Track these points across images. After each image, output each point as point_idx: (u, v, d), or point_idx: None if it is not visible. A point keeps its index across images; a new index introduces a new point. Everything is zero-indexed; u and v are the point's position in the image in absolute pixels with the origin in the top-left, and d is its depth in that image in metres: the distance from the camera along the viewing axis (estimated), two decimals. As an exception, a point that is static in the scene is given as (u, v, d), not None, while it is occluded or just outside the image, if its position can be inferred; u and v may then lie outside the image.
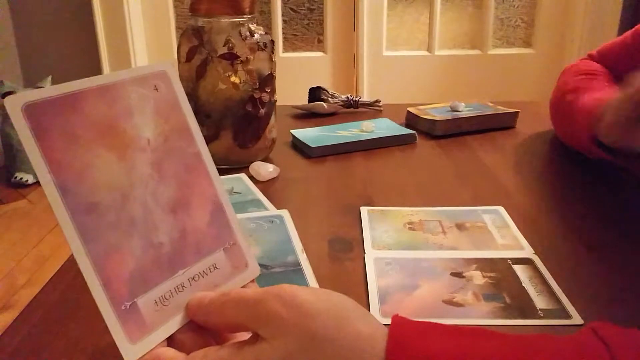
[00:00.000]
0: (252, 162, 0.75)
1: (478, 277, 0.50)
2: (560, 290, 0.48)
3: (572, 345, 0.32)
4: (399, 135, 0.87)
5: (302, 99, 1.07)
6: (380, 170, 0.77)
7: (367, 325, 0.33)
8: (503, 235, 0.58)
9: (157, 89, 0.38)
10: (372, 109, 1.04)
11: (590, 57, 0.85)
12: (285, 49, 2.44)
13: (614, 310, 0.46)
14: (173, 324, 0.36)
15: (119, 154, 0.35)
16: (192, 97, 0.74)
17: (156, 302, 0.35)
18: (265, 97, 0.76)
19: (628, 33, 0.81)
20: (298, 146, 0.86)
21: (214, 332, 0.36)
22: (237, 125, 0.75)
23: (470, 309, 0.46)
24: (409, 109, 0.96)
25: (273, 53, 0.76)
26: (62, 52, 2.43)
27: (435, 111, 0.94)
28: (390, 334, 0.32)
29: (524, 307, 0.46)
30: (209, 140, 0.75)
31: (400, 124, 0.92)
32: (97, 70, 2.35)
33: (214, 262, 0.38)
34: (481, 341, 0.32)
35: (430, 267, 0.52)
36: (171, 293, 0.36)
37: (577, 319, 0.45)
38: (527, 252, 0.55)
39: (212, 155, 0.40)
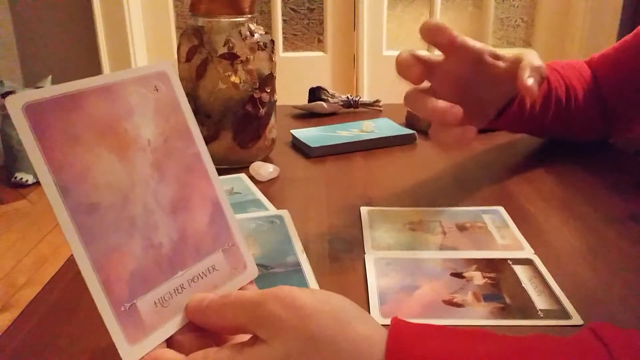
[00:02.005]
0: (252, 162, 0.75)
1: (478, 278, 0.50)
2: (560, 290, 0.48)
3: (571, 346, 0.32)
4: (399, 135, 0.87)
5: (302, 99, 1.07)
6: (380, 170, 0.77)
7: (366, 327, 0.33)
8: (503, 235, 0.58)
9: (157, 90, 0.38)
10: (372, 109, 1.04)
11: (585, 62, 0.84)
12: (285, 49, 2.44)
13: (614, 310, 0.46)
14: (172, 325, 0.36)
15: (120, 154, 0.35)
16: (192, 97, 0.74)
17: (155, 303, 0.35)
18: (265, 97, 0.76)
19: (617, 44, 0.81)
20: (298, 146, 0.86)
21: (213, 333, 0.36)
22: (237, 125, 0.75)
23: (470, 309, 0.46)
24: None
25: (273, 53, 0.76)
26: (62, 52, 2.43)
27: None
28: (389, 335, 0.32)
29: (524, 307, 0.46)
30: (209, 140, 0.75)
31: (400, 124, 0.92)
32: (97, 70, 2.35)
33: (213, 263, 0.38)
34: (480, 343, 0.32)
35: (430, 268, 0.52)
36: (170, 294, 0.36)
37: (577, 319, 0.45)
38: (527, 252, 0.55)
39: (212, 155, 0.40)
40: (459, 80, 0.60)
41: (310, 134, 0.87)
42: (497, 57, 0.61)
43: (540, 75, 0.58)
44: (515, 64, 0.59)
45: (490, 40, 2.42)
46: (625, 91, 0.78)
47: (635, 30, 0.78)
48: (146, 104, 0.37)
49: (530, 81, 0.56)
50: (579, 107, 0.77)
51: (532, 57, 0.60)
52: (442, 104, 0.55)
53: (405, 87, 0.63)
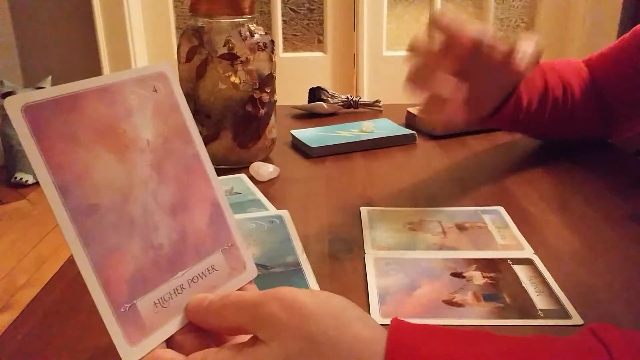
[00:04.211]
0: (252, 162, 0.75)
1: (478, 277, 0.50)
2: (560, 290, 0.48)
3: (571, 347, 0.32)
4: (399, 135, 0.87)
5: (302, 99, 1.07)
6: (380, 170, 0.77)
7: (366, 328, 0.33)
8: (503, 235, 0.58)
9: (156, 90, 0.38)
10: (372, 109, 1.04)
11: (584, 61, 0.84)
12: (285, 49, 2.44)
13: (614, 310, 0.46)
14: (172, 326, 0.36)
15: (119, 155, 0.35)
16: (192, 97, 0.74)
17: (155, 304, 0.35)
18: (265, 97, 0.76)
19: (616, 43, 0.81)
20: (298, 146, 0.86)
21: (213, 333, 0.36)
22: (237, 125, 0.75)
23: (470, 309, 0.46)
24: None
25: (273, 53, 0.76)
26: (62, 52, 2.43)
27: (435, 111, 0.94)
28: (389, 336, 0.32)
29: (524, 307, 0.46)
30: (209, 140, 0.75)
31: (400, 124, 0.92)
32: (97, 70, 2.35)
33: (212, 264, 0.38)
34: (480, 343, 0.32)
35: (430, 267, 0.52)
36: (170, 295, 0.36)
37: (577, 319, 0.45)
38: (527, 252, 0.55)
39: (212, 155, 0.40)
40: (455, 69, 0.60)
41: (310, 134, 0.87)
42: (494, 48, 0.62)
43: (531, 60, 0.62)
44: (510, 55, 0.62)
45: (490, 40, 2.42)
46: (623, 90, 0.78)
47: (633, 30, 0.78)
48: (145, 105, 0.37)
49: (520, 57, 0.60)
50: (577, 106, 0.77)
51: (526, 47, 0.62)
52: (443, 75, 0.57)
53: (404, 87, 0.63)
